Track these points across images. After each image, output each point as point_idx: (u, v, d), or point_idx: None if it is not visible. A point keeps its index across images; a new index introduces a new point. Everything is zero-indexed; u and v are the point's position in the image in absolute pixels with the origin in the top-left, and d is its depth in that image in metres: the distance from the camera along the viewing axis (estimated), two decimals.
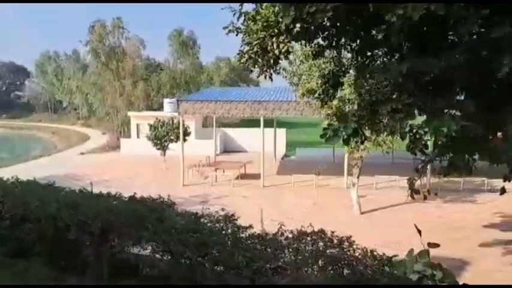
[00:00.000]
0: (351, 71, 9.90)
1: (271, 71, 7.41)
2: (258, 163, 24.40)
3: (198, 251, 4.01)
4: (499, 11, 4.68)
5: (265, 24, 5.41)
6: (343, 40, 6.42)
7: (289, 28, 5.08)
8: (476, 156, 9.37)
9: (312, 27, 5.43)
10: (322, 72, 8.68)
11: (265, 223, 10.21)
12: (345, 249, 4.42)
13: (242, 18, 8.21)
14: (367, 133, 9.48)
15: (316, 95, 14.91)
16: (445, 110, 6.80)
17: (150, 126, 25.95)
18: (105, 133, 44.40)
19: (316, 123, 60.13)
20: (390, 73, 4.40)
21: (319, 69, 15.20)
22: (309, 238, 4.56)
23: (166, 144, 25.73)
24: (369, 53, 8.59)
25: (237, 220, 5.01)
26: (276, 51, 5.44)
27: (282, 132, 33.23)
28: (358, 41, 7.18)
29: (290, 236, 4.55)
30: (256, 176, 22.66)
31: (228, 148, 34.31)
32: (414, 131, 4.80)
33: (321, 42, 7.30)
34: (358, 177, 15.78)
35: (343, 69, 8.40)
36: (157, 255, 4.31)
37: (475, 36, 5.33)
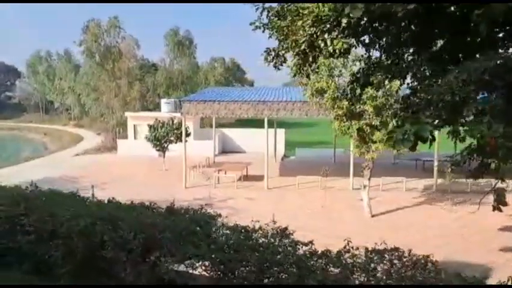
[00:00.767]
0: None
1: (310, 70, 7.00)
2: (258, 164, 24.02)
3: (262, 272, 3.57)
4: None
5: (314, 19, 4.99)
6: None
7: (350, 23, 4.68)
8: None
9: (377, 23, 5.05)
10: (351, 71, 8.30)
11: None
12: (430, 272, 4.00)
13: (265, 14, 7.81)
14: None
15: (328, 94, 14.58)
16: None
17: (150, 126, 25.37)
18: (99, 134, 43.64)
19: (312, 124, 60.19)
20: (476, 70, 4.04)
21: (329, 68, 14.86)
22: (375, 257, 4.12)
23: (166, 145, 25.18)
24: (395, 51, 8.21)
25: (292, 234, 4.58)
26: (330, 48, 5.02)
27: (280, 133, 32.84)
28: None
29: (358, 253, 4.12)
30: (258, 178, 22.23)
31: (226, 149, 33.83)
32: None
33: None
34: (369, 179, 15.41)
35: (373, 68, 8.00)
36: (205, 274, 3.84)
37: None
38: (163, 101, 35.41)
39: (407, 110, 9.63)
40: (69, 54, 62.73)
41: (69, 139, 45.81)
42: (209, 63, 59.63)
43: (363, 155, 14.98)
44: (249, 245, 4.02)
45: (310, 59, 5.86)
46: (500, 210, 6.09)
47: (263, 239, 4.42)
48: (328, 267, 3.69)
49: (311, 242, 4.25)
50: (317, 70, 7.87)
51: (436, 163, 19.21)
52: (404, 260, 4.18)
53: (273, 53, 7.57)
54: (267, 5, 8.10)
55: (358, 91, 8.91)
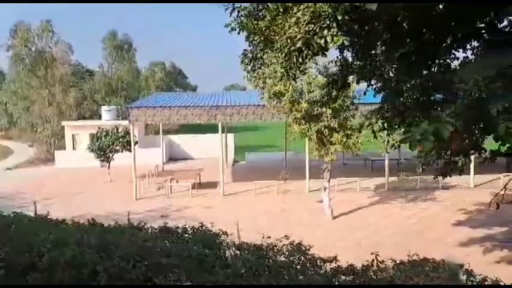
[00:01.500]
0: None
1: (298, 71, 6.68)
2: (209, 170, 23.45)
3: None
4: None
5: (312, 15, 4.68)
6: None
7: (346, 19, 4.42)
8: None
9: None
10: (326, 73, 8.14)
11: (242, 234, 9.36)
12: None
13: (235, 14, 7.41)
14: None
15: (286, 97, 14.42)
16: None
17: (93, 136, 23.83)
18: (32, 145, 40.48)
19: (255, 128, 60.31)
20: (498, 65, 3.95)
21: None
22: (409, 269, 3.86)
23: (111, 155, 23.79)
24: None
25: (309, 250, 4.21)
26: (331, 45, 4.73)
27: (229, 138, 32.44)
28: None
29: (384, 266, 3.83)
30: (212, 185, 21.67)
31: (173, 156, 32.77)
32: None
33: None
34: (329, 180, 15.47)
35: (350, 70, 7.90)
36: None
37: None
38: (103, 108, 33.62)
39: (381, 112, 9.72)
40: None
41: None
42: (148, 68, 57.75)
43: (322, 158, 15.00)
44: (267, 266, 3.61)
45: (300, 59, 5.57)
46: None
47: (280, 258, 4.05)
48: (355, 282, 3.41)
49: (335, 258, 3.93)
50: (305, 71, 7.59)
51: (387, 162, 19.80)
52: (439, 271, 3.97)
53: (250, 55, 7.20)
54: (237, 4, 7.73)
55: (334, 93, 8.76)
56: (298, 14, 4.86)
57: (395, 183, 19.96)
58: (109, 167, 24.07)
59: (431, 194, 18.40)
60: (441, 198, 17.76)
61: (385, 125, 7.44)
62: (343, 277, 3.57)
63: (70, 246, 3.48)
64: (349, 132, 14.68)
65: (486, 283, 3.85)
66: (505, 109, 3.91)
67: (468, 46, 8.18)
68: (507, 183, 10.41)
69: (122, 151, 23.45)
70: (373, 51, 7.81)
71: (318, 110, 14.64)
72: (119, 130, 23.73)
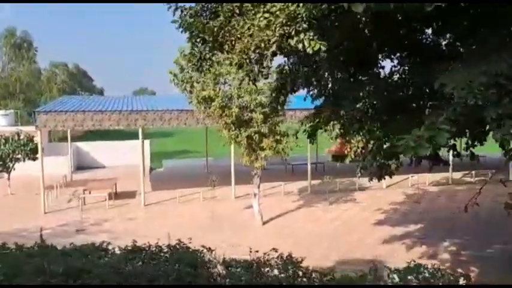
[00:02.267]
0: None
1: (261, 75, 6.37)
2: (124, 180, 22.12)
3: None
4: None
5: (286, 18, 4.40)
6: None
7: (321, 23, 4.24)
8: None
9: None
10: (277, 78, 7.97)
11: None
12: None
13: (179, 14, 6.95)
14: None
15: (216, 103, 14.09)
16: None
17: None
18: None
19: (169, 133, 58.63)
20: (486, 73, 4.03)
21: (215, 76, 14.44)
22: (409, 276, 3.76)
23: (11, 165, 21.24)
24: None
25: (301, 262, 3.92)
26: (309, 50, 4.48)
27: (145, 144, 30.93)
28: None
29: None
30: (130, 195, 20.43)
31: (82, 164, 30.33)
32: None
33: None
34: (259, 186, 15.41)
35: (299, 74, 7.82)
36: None
37: None
38: None
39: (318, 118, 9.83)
40: None
41: None
42: (49, 69, 53.07)
43: (252, 163, 14.89)
44: (265, 285, 3.27)
45: (265, 62, 5.32)
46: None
47: (273, 273, 3.73)
48: None
49: (332, 271, 3.73)
50: (269, 74, 7.30)
51: (309, 167, 20.39)
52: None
53: (198, 55, 6.77)
54: (181, 4, 7.29)
55: (282, 98, 8.64)
56: (270, 17, 4.61)
57: (316, 186, 20.67)
58: (9, 178, 21.47)
59: (350, 196, 19.32)
60: (359, 199, 18.73)
61: (342, 131, 7.51)
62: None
63: (28, 276, 2.81)
64: (278, 137, 14.78)
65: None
66: (498, 116, 4.09)
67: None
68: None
69: (24, 160, 21.08)
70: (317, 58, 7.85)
71: (248, 115, 14.52)
72: (21, 137, 21.29)
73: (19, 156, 21.02)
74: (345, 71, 8.78)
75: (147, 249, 4.39)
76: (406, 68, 8.76)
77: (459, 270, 10.82)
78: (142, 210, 17.96)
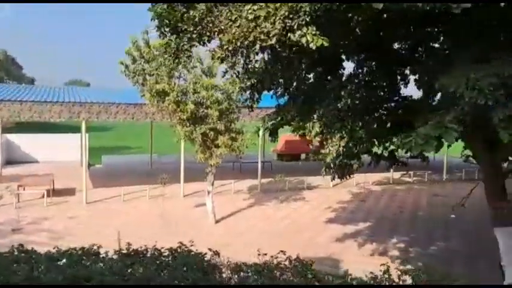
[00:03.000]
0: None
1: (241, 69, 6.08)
2: (62, 176, 20.75)
3: None
4: None
5: (289, 11, 4.17)
6: None
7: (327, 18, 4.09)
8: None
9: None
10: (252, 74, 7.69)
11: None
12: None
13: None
14: None
15: (170, 97, 13.59)
16: None
17: None
18: None
19: (106, 127, 56.02)
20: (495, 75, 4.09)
21: (169, 69, 13.95)
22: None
23: None
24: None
25: (311, 265, 3.75)
26: (312, 45, 4.26)
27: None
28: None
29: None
30: (69, 192, 19.18)
31: (12, 159, 28.02)
32: None
33: None
34: (212, 184, 15.08)
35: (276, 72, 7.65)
36: None
37: None
38: None
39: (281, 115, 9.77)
40: None
41: None
42: None
43: (207, 160, 14.55)
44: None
45: (252, 56, 5.09)
46: None
47: (285, 276, 3.54)
48: None
49: (346, 273, 3.63)
50: (254, 68, 7.00)
51: (260, 164, 20.39)
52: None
53: (174, 47, 6.39)
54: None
55: (256, 96, 8.43)
56: (269, 9, 4.39)
57: (266, 184, 20.73)
58: None
59: (299, 195, 19.57)
60: (309, 198, 19.04)
61: (322, 129, 7.44)
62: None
63: None
64: (234, 135, 14.57)
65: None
66: (506, 117, 4.21)
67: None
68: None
69: None
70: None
71: (203, 111, 14.16)
72: None
73: None
74: (315, 71, 8.82)
75: (144, 252, 4.03)
76: (369, 69, 9.00)
77: (409, 266, 11.36)
78: (84, 209, 16.88)
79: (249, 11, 4.66)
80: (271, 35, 4.40)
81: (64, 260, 3.70)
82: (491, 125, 4.41)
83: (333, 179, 10.08)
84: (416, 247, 12.86)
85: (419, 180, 23.05)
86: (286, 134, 26.90)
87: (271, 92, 9.58)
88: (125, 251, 4.06)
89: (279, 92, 9.75)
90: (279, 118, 10.10)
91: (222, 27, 5.56)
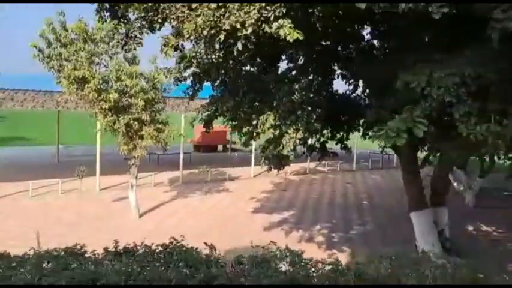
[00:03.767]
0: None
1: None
2: None
3: None
4: None
5: (264, 2, 4.06)
6: None
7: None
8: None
9: None
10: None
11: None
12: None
13: None
14: None
15: (91, 85, 12.73)
16: None
17: None
18: None
19: None
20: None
21: (89, 54, 13.10)
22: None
23: None
24: None
25: (302, 253, 3.78)
26: (288, 38, 4.17)
27: None
28: None
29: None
30: None
31: None
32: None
33: None
34: (136, 177, 14.45)
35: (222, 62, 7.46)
36: None
37: None
38: None
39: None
40: None
41: None
42: None
43: (130, 152, 13.89)
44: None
45: (217, 46, 4.94)
46: None
47: (284, 268, 3.56)
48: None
49: (338, 261, 3.74)
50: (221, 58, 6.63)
51: (182, 156, 20.01)
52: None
53: (123, 33, 6.00)
54: None
55: (197, 86, 8.21)
56: None
57: (186, 176, 20.42)
58: None
59: (222, 186, 19.63)
60: (232, 189, 19.20)
61: (275, 122, 7.45)
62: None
63: None
64: (160, 126, 14.10)
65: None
66: (465, 113, 4.61)
67: None
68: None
69: None
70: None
71: (127, 100, 13.46)
72: None
73: None
74: (255, 63, 8.90)
75: (135, 249, 3.74)
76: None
77: (334, 250, 12.10)
78: None
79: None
80: (246, 25, 4.34)
81: (49, 264, 3.30)
82: (452, 120, 4.92)
83: (270, 169, 10.30)
84: (338, 232, 13.72)
85: (332, 169, 24.51)
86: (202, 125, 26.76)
87: (209, 83, 9.48)
88: (112, 250, 3.74)
89: (217, 83, 9.67)
90: (214, 109, 10.04)
91: (180, 14, 5.35)
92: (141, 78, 13.57)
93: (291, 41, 4.42)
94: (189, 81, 9.50)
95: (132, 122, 13.49)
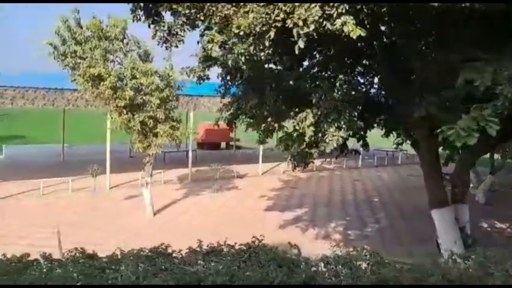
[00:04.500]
0: None
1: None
2: None
3: None
4: None
5: None
6: None
7: None
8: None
9: None
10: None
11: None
12: None
13: None
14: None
15: (107, 82, 12.66)
16: None
17: None
18: None
19: None
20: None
21: (104, 52, 13.04)
22: None
23: None
24: None
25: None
26: (352, 34, 4.12)
27: None
28: None
29: None
30: None
31: None
32: None
33: None
34: (151, 175, 14.39)
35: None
36: None
37: None
38: None
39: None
40: None
41: None
42: None
43: (145, 150, 13.82)
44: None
45: (267, 43, 4.90)
46: None
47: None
48: None
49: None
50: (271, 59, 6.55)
51: (190, 154, 19.98)
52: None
53: (166, 30, 5.95)
54: None
55: (229, 84, 8.17)
56: None
57: (194, 174, 20.38)
58: None
59: (231, 183, 19.58)
60: (241, 186, 19.17)
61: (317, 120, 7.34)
62: None
63: None
64: (174, 123, 14.05)
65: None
66: None
67: None
68: None
69: None
70: None
71: (141, 98, 13.39)
72: None
73: None
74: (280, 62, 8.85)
75: (209, 250, 3.74)
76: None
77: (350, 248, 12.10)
78: None
79: None
80: (308, 22, 4.31)
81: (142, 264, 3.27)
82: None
83: (295, 167, 10.28)
84: (353, 230, 13.75)
85: (338, 167, 24.54)
86: (205, 123, 26.64)
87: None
88: (189, 250, 3.74)
89: (240, 81, 9.62)
90: (236, 107, 10.00)
91: (226, 12, 5.32)
92: (155, 76, 13.50)
93: (354, 37, 4.41)
94: (212, 80, 9.45)
95: (147, 119, 13.42)
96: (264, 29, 4.73)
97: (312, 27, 4.37)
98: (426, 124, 8.71)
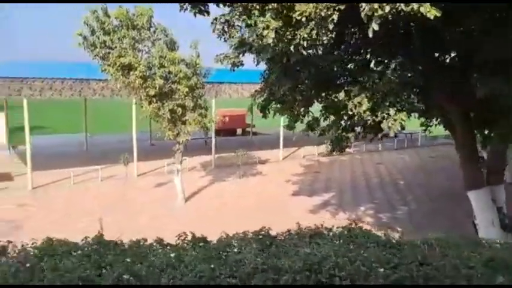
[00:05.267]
0: None
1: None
2: None
3: None
4: None
5: None
6: None
7: None
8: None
9: None
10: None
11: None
12: None
13: None
14: None
15: (137, 72, 12.75)
16: None
17: None
18: None
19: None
20: None
21: (133, 41, 13.10)
22: None
23: None
24: None
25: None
26: (430, 15, 4.14)
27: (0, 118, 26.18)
28: None
29: None
30: (5, 177, 17.24)
31: None
32: None
33: None
34: (181, 163, 14.58)
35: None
36: None
37: None
38: None
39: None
40: None
41: None
42: None
43: (175, 138, 13.97)
44: None
45: (330, 27, 4.92)
46: None
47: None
48: None
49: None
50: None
51: (214, 141, 20.11)
52: None
53: (224, 22, 5.99)
54: None
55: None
56: None
57: (217, 160, 20.52)
58: None
59: (254, 169, 19.72)
60: (265, 172, 19.31)
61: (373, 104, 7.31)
62: None
63: None
64: (202, 111, 14.15)
65: None
66: None
67: None
68: None
69: None
70: None
71: (169, 87, 13.48)
72: None
73: None
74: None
75: (312, 233, 3.92)
76: None
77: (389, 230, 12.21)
78: (31, 195, 15.34)
79: None
80: (384, 4, 4.31)
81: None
82: None
83: (332, 150, 10.33)
84: (384, 213, 13.83)
85: (358, 150, 24.50)
86: (222, 109, 26.68)
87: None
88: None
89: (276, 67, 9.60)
90: (269, 93, 10.02)
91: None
92: (182, 64, 13.56)
93: (431, 18, 4.41)
94: (246, 66, 9.45)
95: (176, 108, 13.53)
96: (329, 13, 4.75)
97: (387, 9, 4.37)
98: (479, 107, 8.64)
